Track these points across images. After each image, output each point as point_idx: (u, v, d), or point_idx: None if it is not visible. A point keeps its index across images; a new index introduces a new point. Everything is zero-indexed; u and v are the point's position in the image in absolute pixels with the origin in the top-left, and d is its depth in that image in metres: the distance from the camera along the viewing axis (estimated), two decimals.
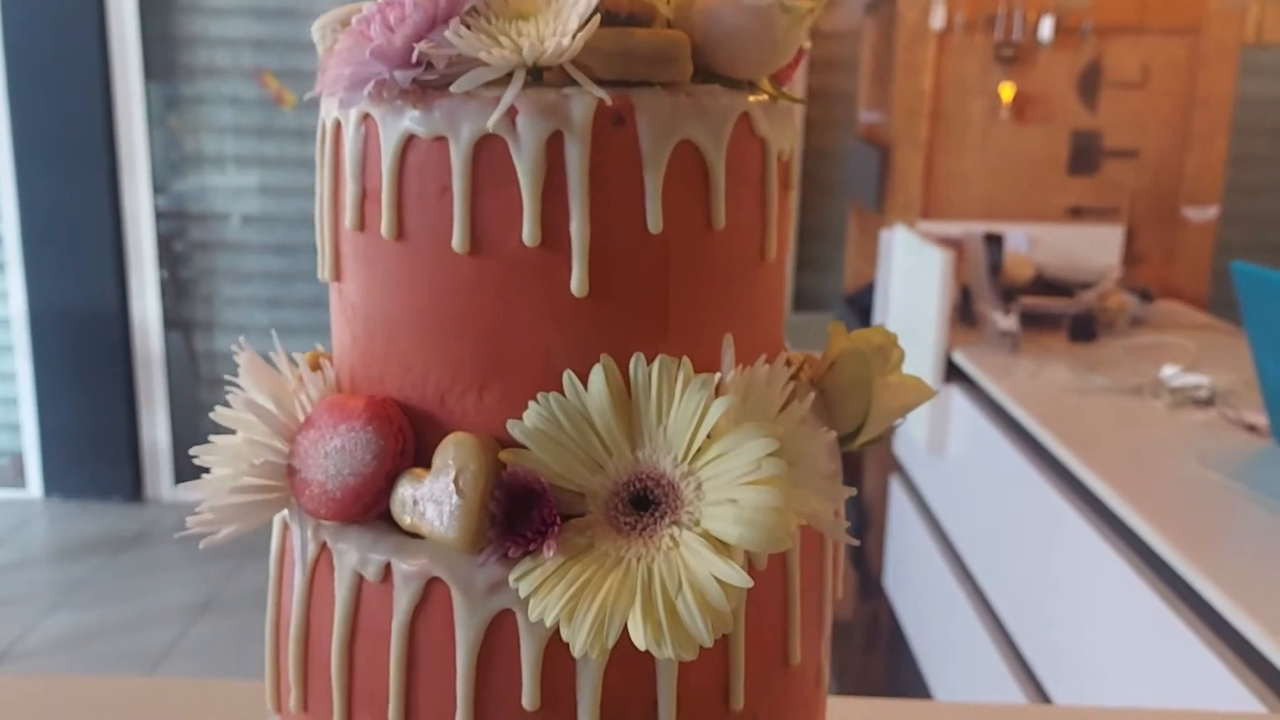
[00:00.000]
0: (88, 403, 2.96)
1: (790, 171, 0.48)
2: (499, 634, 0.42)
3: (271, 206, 2.97)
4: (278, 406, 0.45)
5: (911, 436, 2.02)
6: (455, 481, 0.41)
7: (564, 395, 0.42)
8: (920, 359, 1.86)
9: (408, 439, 0.44)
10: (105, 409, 2.96)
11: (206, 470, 0.46)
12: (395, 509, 0.43)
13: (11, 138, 2.85)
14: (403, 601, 0.42)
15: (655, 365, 0.42)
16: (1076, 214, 2.18)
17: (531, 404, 0.42)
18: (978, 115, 2.17)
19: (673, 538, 0.41)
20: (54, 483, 3.00)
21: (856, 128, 2.48)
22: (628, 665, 0.42)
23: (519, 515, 0.42)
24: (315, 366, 0.48)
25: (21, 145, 2.86)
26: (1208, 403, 1.56)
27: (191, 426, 3.06)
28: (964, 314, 1.96)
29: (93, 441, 2.98)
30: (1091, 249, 2.09)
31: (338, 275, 0.46)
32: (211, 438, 0.47)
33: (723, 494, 0.41)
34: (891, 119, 2.21)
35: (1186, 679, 1.11)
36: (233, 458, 0.45)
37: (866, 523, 2.32)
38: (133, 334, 2.98)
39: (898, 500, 2.17)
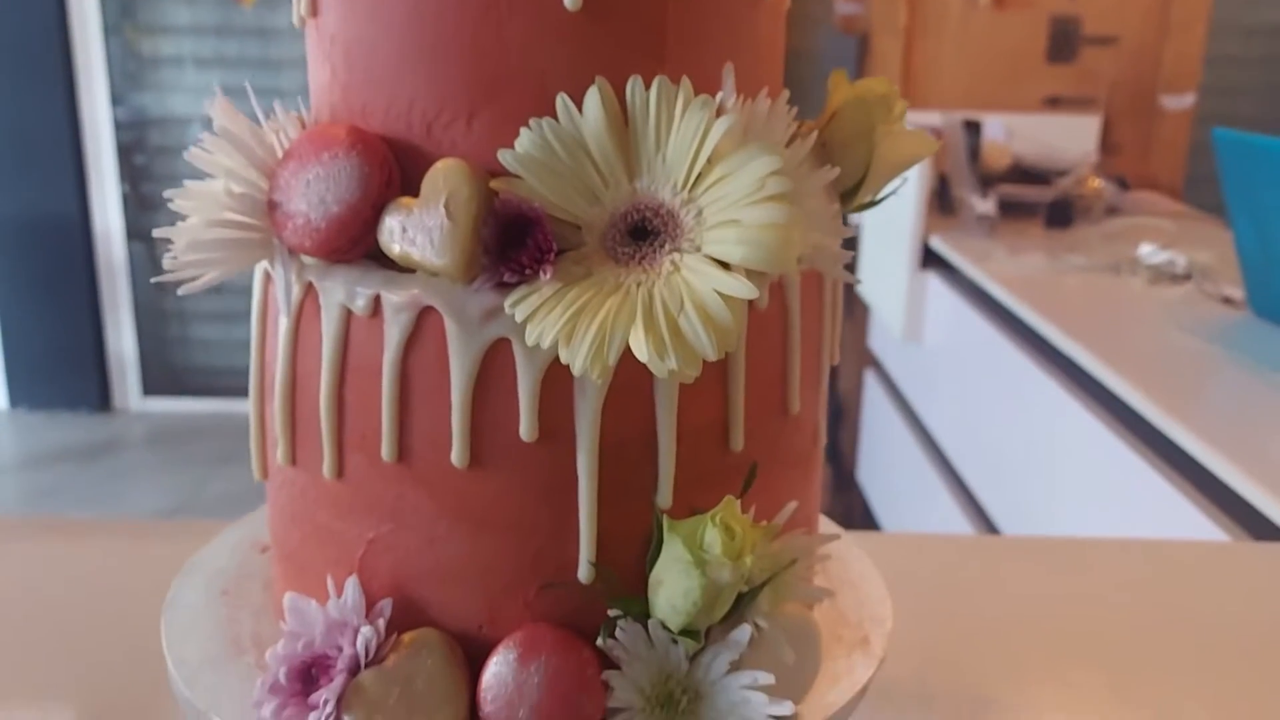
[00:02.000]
0: (52, 314, 2.90)
1: None
2: (495, 364, 0.40)
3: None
4: (255, 141, 0.43)
5: (887, 326, 2.02)
6: (445, 206, 0.40)
7: (558, 120, 0.40)
8: (897, 245, 1.85)
9: (393, 170, 0.42)
10: (70, 320, 2.91)
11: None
12: (383, 239, 0.41)
13: None
14: (394, 335, 0.41)
15: (654, 87, 0.40)
16: (1054, 104, 2.17)
17: (524, 130, 0.40)
18: (956, 2, 2.13)
19: (673, 263, 0.40)
20: (20, 394, 2.95)
21: (832, 22, 2.44)
22: (627, 401, 0.41)
23: (513, 244, 0.40)
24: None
25: None
26: (1184, 278, 1.56)
27: (158, 337, 3.01)
28: (941, 203, 1.94)
29: (58, 353, 2.93)
30: (1068, 138, 2.07)
31: (314, 10, 0.44)
32: (186, 183, 0.44)
33: (725, 216, 0.39)
34: (869, 8, 2.17)
35: (1159, 525, 1.13)
36: (210, 202, 0.43)
37: (840, 418, 2.33)
38: (95, 245, 2.91)
39: (872, 393, 2.18)
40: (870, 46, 2.14)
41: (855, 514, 2.22)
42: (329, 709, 0.40)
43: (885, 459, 2.12)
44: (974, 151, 1.82)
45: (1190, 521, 1.06)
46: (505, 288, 0.40)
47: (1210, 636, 0.74)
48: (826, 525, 0.57)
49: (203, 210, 0.43)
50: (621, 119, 0.40)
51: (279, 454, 0.45)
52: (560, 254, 0.40)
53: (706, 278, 0.39)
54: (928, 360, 1.90)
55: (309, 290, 0.43)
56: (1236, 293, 1.48)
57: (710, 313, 0.38)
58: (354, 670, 0.41)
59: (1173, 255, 1.59)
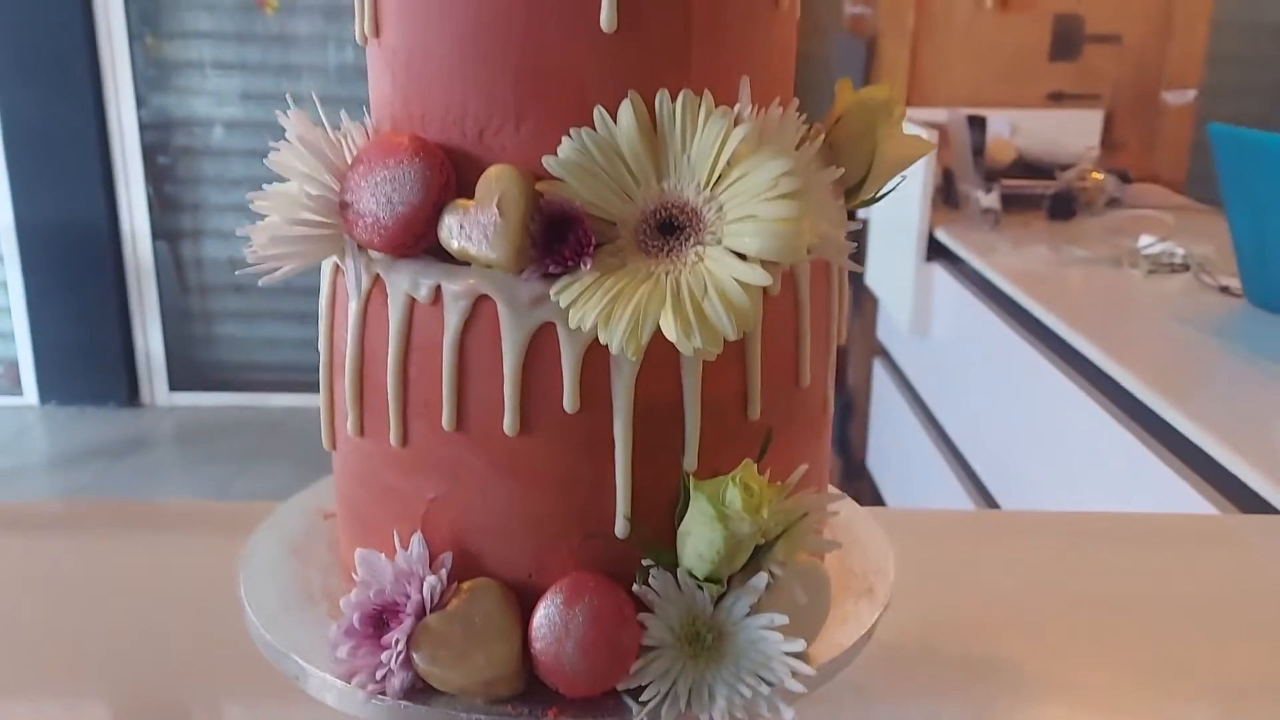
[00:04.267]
0: (80, 311, 2.98)
1: None
2: (541, 344, 0.46)
3: (256, 112, 2.96)
4: (328, 146, 0.48)
5: (894, 319, 2.08)
6: (498, 205, 0.45)
7: (595, 129, 0.46)
8: (904, 238, 1.90)
9: (450, 174, 0.47)
10: (98, 317, 2.99)
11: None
12: (443, 236, 0.47)
13: None
14: (453, 319, 0.46)
15: (680, 100, 0.46)
16: (1057, 99, 2.21)
17: (565, 138, 0.46)
18: (962, 4, 2.18)
19: (697, 254, 0.45)
20: (50, 390, 3.03)
21: (841, 22, 2.49)
22: (658, 374, 0.46)
23: (557, 239, 0.46)
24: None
25: (2, 57, 2.84)
26: (1183, 268, 1.61)
27: (183, 334, 3.09)
28: (946, 196, 1.99)
29: (87, 349, 3.01)
30: (1071, 133, 2.12)
31: (376, 29, 0.50)
32: (265, 187, 0.50)
33: (742, 211, 0.45)
34: (877, 10, 2.22)
35: (1155, 504, 1.18)
36: (287, 203, 0.49)
37: (850, 410, 2.38)
38: (123, 244, 2.99)
39: (880, 382, 2.23)
40: (878, 48, 2.19)
41: (865, 500, 2.26)
42: (400, 647, 0.45)
43: (895, 447, 2.17)
44: (978, 148, 1.87)
45: (1188, 504, 1.11)
46: (550, 277, 0.45)
47: (1202, 599, 0.78)
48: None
49: (280, 210, 0.49)
50: (651, 127, 0.46)
51: (349, 425, 0.51)
52: (598, 247, 0.46)
53: (727, 267, 0.44)
54: (935, 350, 1.95)
55: (376, 280, 0.48)
56: (1234, 282, 1.53)
57: (730, 298, 0.44)
58: (420, 615, 0.46)
59: (1171, 246, 1.63)
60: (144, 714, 0.66)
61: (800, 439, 0.52)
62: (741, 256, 0.44)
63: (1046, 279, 1.63)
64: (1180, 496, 1.13)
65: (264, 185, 0.51)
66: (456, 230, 0.46)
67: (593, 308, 0.44)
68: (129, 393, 3.05)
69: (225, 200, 3.03)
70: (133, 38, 2.91)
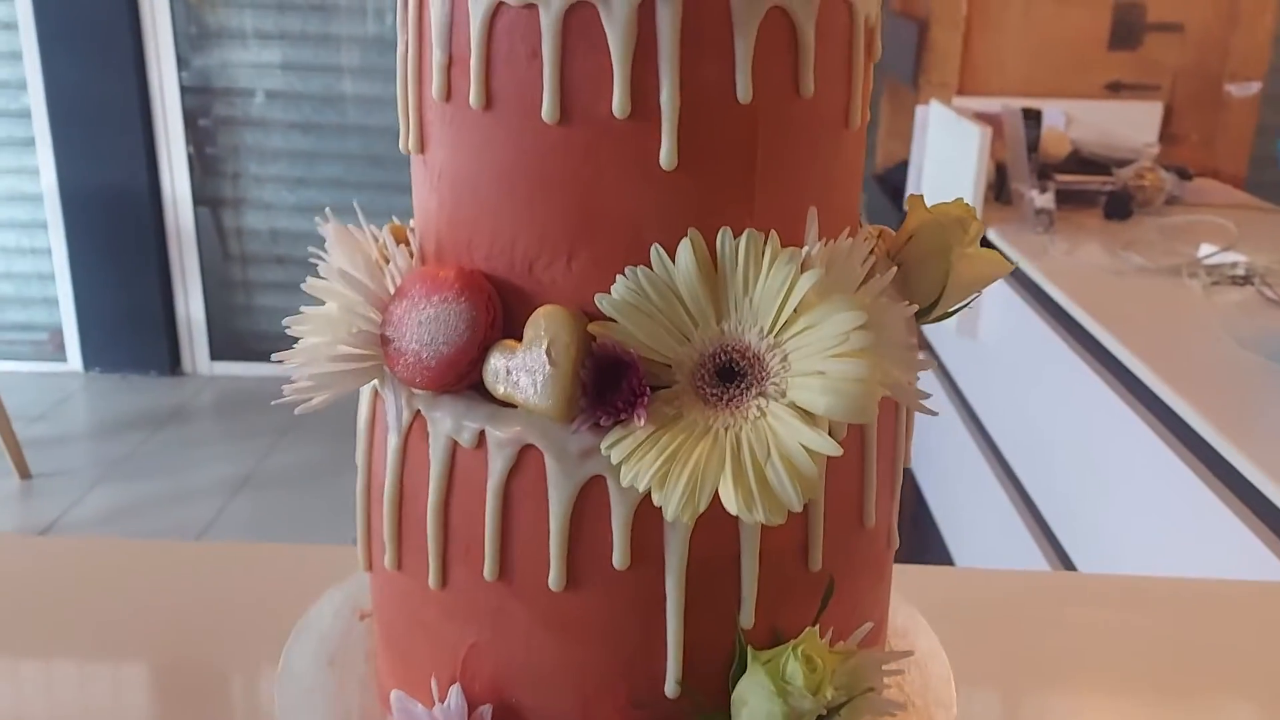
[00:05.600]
0: (122, 278, 2.99)
1: (875, 38, 0.47)
2: (591, 498, 0.43)
3: (295, 83, 2.92)
4: (369, 277, 0.45)
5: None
6: (548, 352, 0.42)
7: (651, 268, 0.43)
8: None
9: (498, 312, 0.44)
10: (140, 284, 3.00)
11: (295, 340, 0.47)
12: (488, 379, 0.44)
13: (35, 15, 2.80)
14: (497, 466, 0.44)
15: (743, 239, 0.42)
16: (1115, 89, 2.13)
17: (619, 277, 0.42)
18: None
19: (760, 408, 0.42)
20: (93, 357, 3.05)
21: (892, 3, 2.41)
22: (713, 527, 0.44)
23: (609, 385, 0.43)
24: (399, 239, 0.49)
25: (45, 23, 2.82)
26: (1244, 281, 1.55)
27: (224, 302, 3.09)
28: (998, 192, 1.93)
29: (129, 317, 3.02)
30: (1129, 126, 2.04)
31: (422, 148, 0.47)
32: (303, 309, 0.48)
33: (810, 365, 0.42)
34: None
35: (1218, 552, 1.14)
36: (325, 327, 0.46)
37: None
38: (164, 210, 2.99)
39: (925, 379, 2.19)
40: (930, 33, 2.12)
41: (906, 496, 2.24)
42: None
43: (937, 446, 2.14)
44: (1033, 143, 1.81)
45: (1250, 551, 1.08)
46: (601, 428, 0.42)
47: (1272, 677, 0.74)
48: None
49: (319, 333, 0.47)
50: (711, 265, 0.43)
51: (386, 559, 0.48)
52: (653, 391, 0.43)
53: (792, 429, 0.41)
54: (982, 351, 1.91)
55: (417, 415, 0.46)
56: None
57: (796, 464, 0.40)
58: None
59: (1233, 257, 1.57)
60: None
61: (863, 582, 0.49)
62: (807, 412, 0.41)
63: (1100, 288, 1.57)
64: (1226, 525, 1.09)
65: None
66: (503, 375, 0.43)
67: (647, 467, 0.41)
68: (171, 361, 3.07)
69: (265, 171, 3.01)
70: (173, 2, 2.88)
